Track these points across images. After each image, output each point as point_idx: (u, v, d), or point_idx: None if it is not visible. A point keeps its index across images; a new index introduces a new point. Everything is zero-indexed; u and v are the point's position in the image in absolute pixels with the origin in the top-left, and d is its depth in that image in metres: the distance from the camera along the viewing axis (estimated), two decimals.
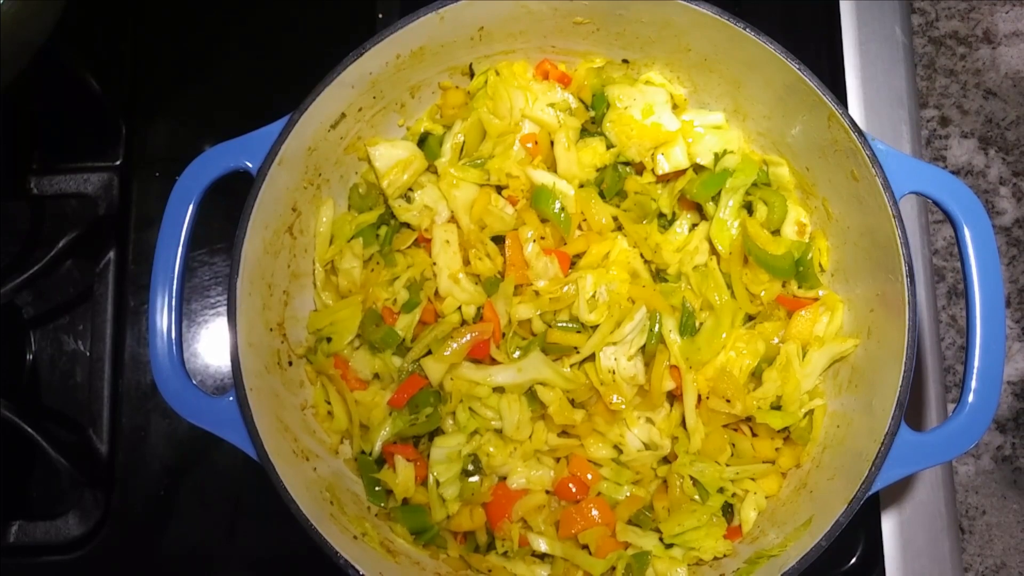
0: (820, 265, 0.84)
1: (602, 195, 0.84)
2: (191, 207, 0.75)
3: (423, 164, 0.86)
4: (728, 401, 0.78)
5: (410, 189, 0.86)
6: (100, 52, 1.01)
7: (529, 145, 0.85)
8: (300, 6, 1.02)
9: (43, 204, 0.97)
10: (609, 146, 0.86)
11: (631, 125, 0.84)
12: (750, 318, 0.83)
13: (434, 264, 0.82)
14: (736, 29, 0.76)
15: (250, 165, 0.76)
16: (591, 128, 0.87)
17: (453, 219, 0.84)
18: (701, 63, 0.83)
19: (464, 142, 0.87)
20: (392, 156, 0.85)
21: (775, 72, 0.77)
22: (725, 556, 0.78)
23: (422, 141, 0.88)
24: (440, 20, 0.78)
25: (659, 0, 0.77)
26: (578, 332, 0.79)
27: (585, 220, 0.83)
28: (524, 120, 0.86)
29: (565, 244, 0.82)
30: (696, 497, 0.79)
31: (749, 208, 0.85)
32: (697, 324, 0.81)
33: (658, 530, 0.79)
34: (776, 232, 0.84)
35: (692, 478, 0.79)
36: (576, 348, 0.79)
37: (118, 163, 0.98)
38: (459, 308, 0.81)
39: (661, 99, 0.85)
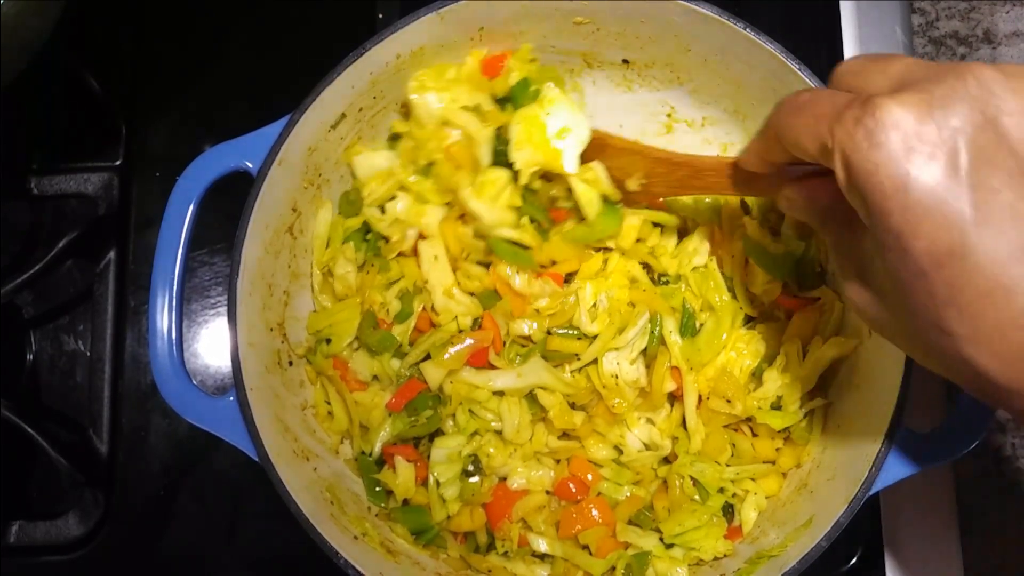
0: (820, 265, 0.84)
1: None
2: (191, 207, 0.75)
3: (405, 175, 0.84)
4: (729, 402, 0.78)
5: (392, 197, 0.84)
6: (100, 52, 1.01)
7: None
8: (300, 6, 1.02)
9: (43, 204, 0.97)
10: (511, 167, 0.78)
11: (536, 131, 0.77)
12: (750, 319, 0.83)
13: (426, 282, 0.81)
14: (736, 29, 0.76)
15: (250, 165, 0.76)
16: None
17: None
18: (701, 63, 0.83)
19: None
20: (372, 166, 0.84)
21: (775, 72, 0.77)
22: (725, 556, 0.78)
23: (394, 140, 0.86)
24: (440, 20, 0.78)
25: (659, 0, 0.78)
26: (578, 339, 0.79)
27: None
28: (450, 128, 0.80)
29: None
30: (696, 497, 0.79)
31: (746, 208, 0.85)
32: (698, 325, 0.81)
33: (658, 530, 0.79)
34: (776, 232, 0.84)
35: (692, 478, 0.79)
36: (577, 355, 0.79)
37: (118, 163, 0.97)
38: (456, 318, 0.80)
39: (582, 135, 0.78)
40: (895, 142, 0.42)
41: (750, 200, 0.85)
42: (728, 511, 0.81)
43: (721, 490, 0.79)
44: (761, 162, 0.59)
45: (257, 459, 0.71)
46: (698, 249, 0.83)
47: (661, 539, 0.78)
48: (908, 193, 0.42)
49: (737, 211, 0.84)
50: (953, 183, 0.42)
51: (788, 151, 0.51)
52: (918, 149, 0.42)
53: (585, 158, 0.77)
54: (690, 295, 0.81)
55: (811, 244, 0.83)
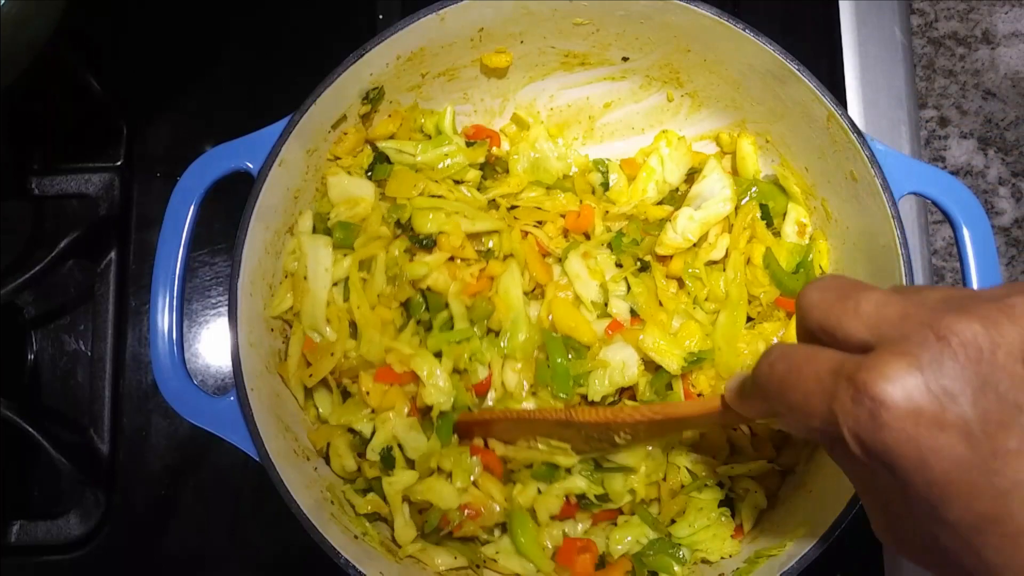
0: (820, 267, 0.84)
1: None
2: (192, 207, 0.75)
3: (372, 211, 0.82)
4: None
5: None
6: (100, 52, 1.01)
7: None
8: (300, 6, 1.02)
9: (44, 204, 0.97)
10: None
11: None
12: (748, 319, 0.83)
13: None
14: (735, 30, 0.76)
15: (251, 166, 0.76)
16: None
17: None
18: (700, 63, 0.84)
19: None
20: (346, 190, 0.82)
21: (774, 72, 0.77)
22: (731, 556, 0.78)
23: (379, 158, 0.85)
24: (440, 21, 0.78)
25: (659, 1, 0.78)
26: None
27: None
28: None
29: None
30: (695, 492, 0.79)
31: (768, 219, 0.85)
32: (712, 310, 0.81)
33: (667, 533, 0.79)
34: (776, 234, 0.84)
35: (688, 468, 0.79)
36: None
37: (119, 163, 0.98)
38: None
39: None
40: (899, 422, 0.41)
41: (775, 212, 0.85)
42: (729, 507, 0.81)
43: (720, 484, 0.80)
44: (754, 411, 0.58)
45: (258, 459, 0.72)
46: (715, 244, 0.82)
47: (669, 537, 0.78)
48: (928, 470, 0.41)
49: (755, 219, 0.84)
50: (971, 454, 0.40)
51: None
52: (925, 426, 0.40)
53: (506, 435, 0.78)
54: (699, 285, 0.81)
55: (812, 246, 0.83)
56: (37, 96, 0.98)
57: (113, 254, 0.95)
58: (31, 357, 0.95)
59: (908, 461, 0.41)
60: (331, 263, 0.80)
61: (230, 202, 0.76)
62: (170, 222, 0.75)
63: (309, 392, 0.81)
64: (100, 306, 0.94)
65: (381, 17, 0.99)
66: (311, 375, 0.79)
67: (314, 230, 0.83)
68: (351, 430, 0.79)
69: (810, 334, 0.48)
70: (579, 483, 0.77)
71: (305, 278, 0.80)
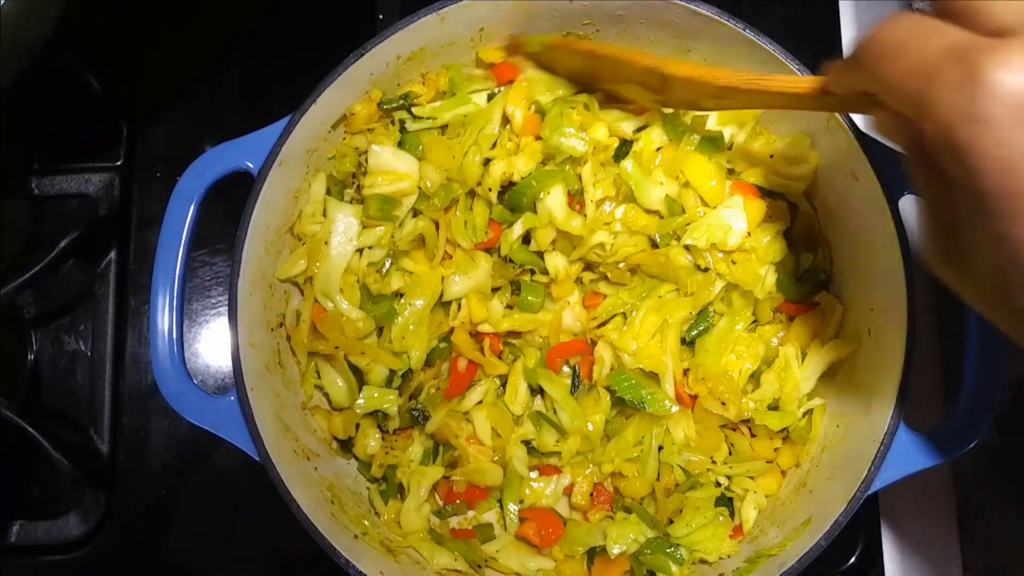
0: (824, 272, 0.83)
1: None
2: (192, 207, 0.75)
3: (413, 189, 0.81)
4: (723, 404, 0.78)
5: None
6: (101, 52, 1.01)
7: None
8: (300, 7, 1.02)
9: (44, 204, 0.97)
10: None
11: None
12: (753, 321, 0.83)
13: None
14: (736, 30, 0.76)
15: (251, 166, 0.76)
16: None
17: None
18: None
19: None
20: (388, 163, 0.80)
21: (774, 72, 0.77)
22: (729, 556, 0.78)
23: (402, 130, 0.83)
24: (440, 21, 0.78)
25: (659, 1, 0.78)
26: None
27: None
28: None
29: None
30: (691, 490, 0.79)
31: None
32: (711, 315, 0.81)
33: (667, 533, 0.79)
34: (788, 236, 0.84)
35: (681, 467, 0.79)
36: None
37: (119, 163, 0.98)
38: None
39: None
40: (998, 118, 0.35)
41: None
42: (728, 506, 0.81)
43: (717, 483, 0.80)
44: (850, 90, 0.52)
45: (258, 459, 0.72)
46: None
47: (667, 537, 0.78)
48: (1008, 179, 0.36)
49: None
50: None
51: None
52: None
53: (651, 86, 0.77)
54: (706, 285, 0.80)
55: (817, 254, 0.83)
56: (37, 96, 0.98)
57: (113, 254, 0.95)
58: (31, 357, 0.95)
59: (993, 163, 0.36)
60: (357, 233, 0.80)
61: (230, 202, 0.76)
62: (170, 222, 0.75)
63: (315, 370, 0.82)
64: (100, 306, 0.94)
65: (381, 17, 0.99)
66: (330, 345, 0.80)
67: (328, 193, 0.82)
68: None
69: (944, 11, 0.42)
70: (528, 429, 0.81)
71: (326, 243, 0.79)
